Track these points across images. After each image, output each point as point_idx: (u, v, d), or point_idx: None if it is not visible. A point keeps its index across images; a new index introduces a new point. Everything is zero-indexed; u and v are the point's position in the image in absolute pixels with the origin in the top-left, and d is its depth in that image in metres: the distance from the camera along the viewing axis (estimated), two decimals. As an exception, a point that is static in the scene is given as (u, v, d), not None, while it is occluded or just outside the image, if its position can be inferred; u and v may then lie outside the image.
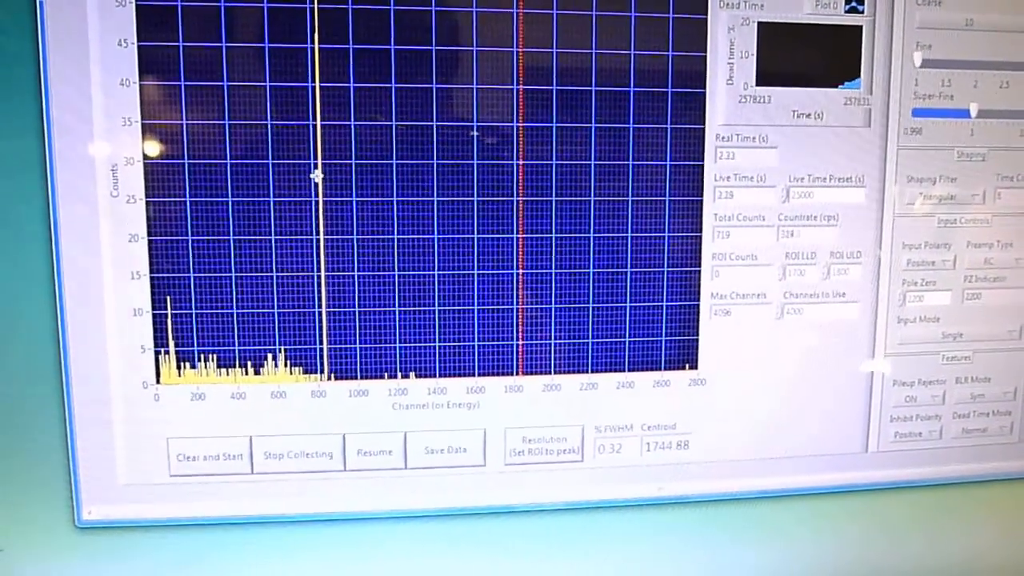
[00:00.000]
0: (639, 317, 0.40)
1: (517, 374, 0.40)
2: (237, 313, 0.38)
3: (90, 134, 0.36)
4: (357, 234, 0.38)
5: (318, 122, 0.37)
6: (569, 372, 0.40)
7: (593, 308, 0.40)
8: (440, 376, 0.40)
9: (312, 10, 0.36)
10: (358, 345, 0.39)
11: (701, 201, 0.40)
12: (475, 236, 0.39)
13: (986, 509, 0.45)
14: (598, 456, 0.41)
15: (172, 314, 0.38)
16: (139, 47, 0.36)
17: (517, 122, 0.38)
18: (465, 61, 0.37)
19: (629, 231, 0.40)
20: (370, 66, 0.37)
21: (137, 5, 0.35)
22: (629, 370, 0.41)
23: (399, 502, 0.41)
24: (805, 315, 0.41)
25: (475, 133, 0.38)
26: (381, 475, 0.40)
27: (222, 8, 0.36)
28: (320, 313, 0.39)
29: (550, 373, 0.40)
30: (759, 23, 0.39)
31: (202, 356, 0.38)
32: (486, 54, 0.37)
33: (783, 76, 0.39)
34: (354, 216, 0.38)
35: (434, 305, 0.39)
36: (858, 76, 0.40)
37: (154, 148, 0.37)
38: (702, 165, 0.40)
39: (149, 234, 0.37)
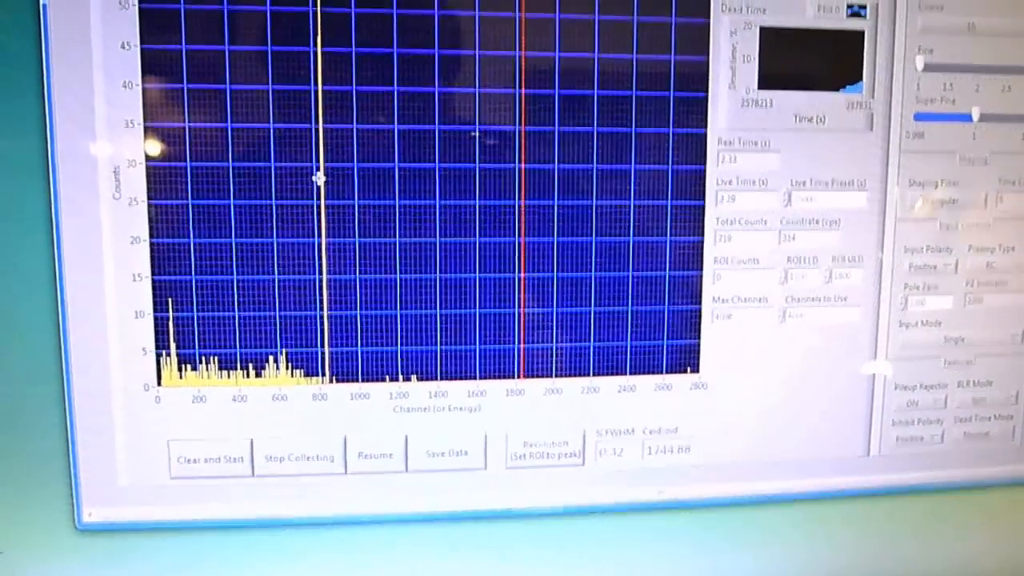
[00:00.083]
0: (641, 320, 0.40)
1: (518, 377, 0.40)
2: (239, 315, 0.38)
3: (92, 136, 0.36)
4: (359, 237, 0.38)
5: (320, 125, 0.37)
6: (570, 375, 0.40)
7: (594, 312, 0.40)
8: (441, 379, 0.40)
9: (315, 13, 0.36)
10: (359, 348, 0.39)
11: (703, 205, 0.40)
12: (476, 239, 0.39)
13: (989, 513, 0.45)
14: (599, 460, 0.41)
15: (174, 316, 0.38)
16: (142, 50, 0.36)
17: (519, 126, 0.38)
18: (467, 65, 0.38)
19: (631, 235, 0.40)
20: (372, 70, 0.37)
21: (140, 8, 0.35)
22: (630, 373, 0.41)
23: (400, 505, 0.41)
24: (807, 319, 0.41)
25: (477, 137, 0.38)
26: (382, 478, 0.40)
27: (225, 11, 0.36)
28: (322, 316, 0.39)
29: (551, 376, 0.40)
30: (761, 27, 0.39)
31: (203, 358, 0.38)
32: (488, 58, 0.38)
33: (785, 80, 0.39)
34: (356, 219, 0.38)
35: (435, 308, 0.39)
36: (860, 80, 0.40)
37: (156, 150, 0.37)
38: (704, 169, 0.40)
39: (151, 236, 0.37)
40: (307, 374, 0.39)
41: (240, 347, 0.38)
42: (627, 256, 0.40)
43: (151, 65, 0.36)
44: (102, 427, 0.38)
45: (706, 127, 0.39)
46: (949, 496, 0.44)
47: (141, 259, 0.37)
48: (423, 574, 0.41)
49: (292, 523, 0.40)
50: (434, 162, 0.38)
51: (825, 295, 0.41)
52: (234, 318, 0.38)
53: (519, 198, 0.39)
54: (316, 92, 0.37)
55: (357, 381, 0.39)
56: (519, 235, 0.39)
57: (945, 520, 0.45)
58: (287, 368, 0.39)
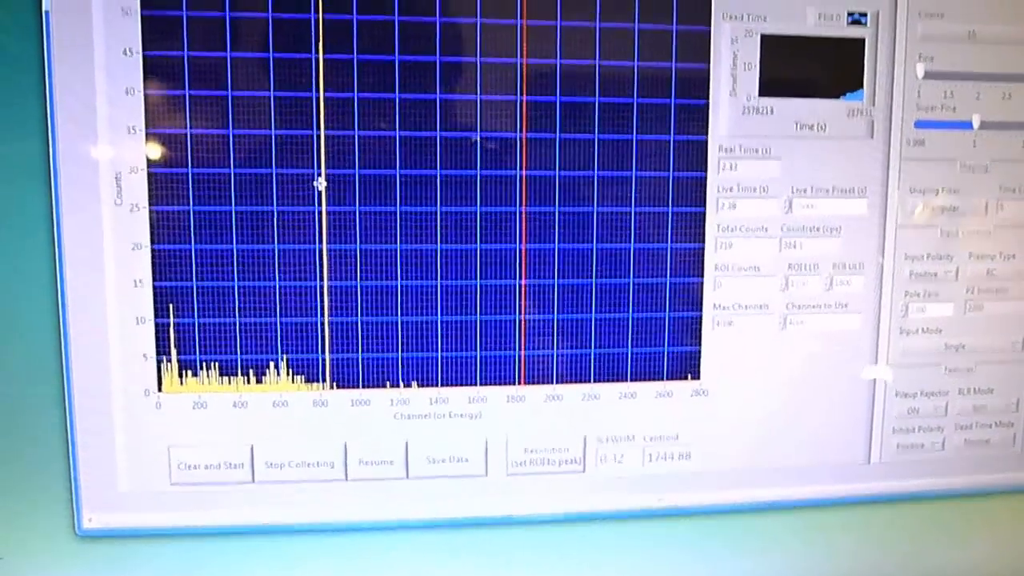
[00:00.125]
0: (641, 327, 0.40)
1: (519, 384, 0.40)
2: (239, 321, 0.38)
3: (94, 142, 0.36)
4: (360, 243, 0.38)
5: (322, 132, 0.37)
6: (571, 382, 0.40)
7: (595, 318, 0.40)
8: (442, 385, 0.40)
9: (316, 20, 0.36)
10: (360, 354, 0.39)
11: (704, 212, 0.40)
12: (478, 246, 0.39)
13: (990, 521, 0.45)
14: (600, 466, 0.41)
15: (175, 322, 0.38)
16: (144, 56, 0.36)
17: (521, 133, 0.38)
18: (469, 72, 0.38)
19: (632, 242, 0.40)
20: (374, 77, 0.37)
21: (142, 15, 0.35)
22: (631, 380, 0.41)
23: (401, 511, 0.40)
24: (807, 326, 0.41)
25: (478, 143, 0.38)
26: (383, 484, 0.40)
27: (227, 18, 0.36)
28: (322, 322, 0.39)
29: (552, 383, 0.40)
30: (762, 35, 0.39)
31: (204, 364, 0.38)
32: (490, 65, 0.38)
33: (786, 87, 0.39)
34: (357, 226, 0.38)
35: (436, 314, 0.39)
36: (861, 87, 0.40)
37: (158, 157, 0.37)
38: (705, 176, 0.40)
39: (152, 242, 0.37)
40: (308, 380, 0.39)
41: (241, 353, 0.38)
42: (628, 263, 0.40)
43: (153, 71, 0.36)
44: (102, 432, 0.38)
45: (707, 134, 0.39)
46: (950, 503, 0.44)
47: (142, 265, 0.37)
48: (423, 581, 0.41)
49: (292, 530, 0.40)
50: (435, 168, 0.38)
51: (826, 302, 0.41)
52: (235, 324, 0.38)
53: (520, 205, 0.39)
54: (318, 99, 0.37)
55: (358, 387, 0.39)
56: (520, 241, 0.39)
57: (946, 527, 0.45)
58: (288, 374, 0.39)
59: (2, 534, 0.39)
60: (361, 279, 0.38)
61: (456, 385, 0.40)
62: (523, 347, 0.40)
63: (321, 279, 0.38)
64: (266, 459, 0.39)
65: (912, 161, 0.41)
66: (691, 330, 0.41)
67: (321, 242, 0.38)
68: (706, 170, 0.40)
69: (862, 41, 0.40)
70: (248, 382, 0.39)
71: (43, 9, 0.35)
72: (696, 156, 0.39)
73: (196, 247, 0.37)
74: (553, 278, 0.39)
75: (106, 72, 0.36)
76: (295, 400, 0.39)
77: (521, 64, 0.38)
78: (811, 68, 0.40)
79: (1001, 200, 0.42)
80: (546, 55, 0.38)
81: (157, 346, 0.38)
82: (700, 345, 0.41)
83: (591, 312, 0.40)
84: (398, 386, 0.39)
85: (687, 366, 0.41)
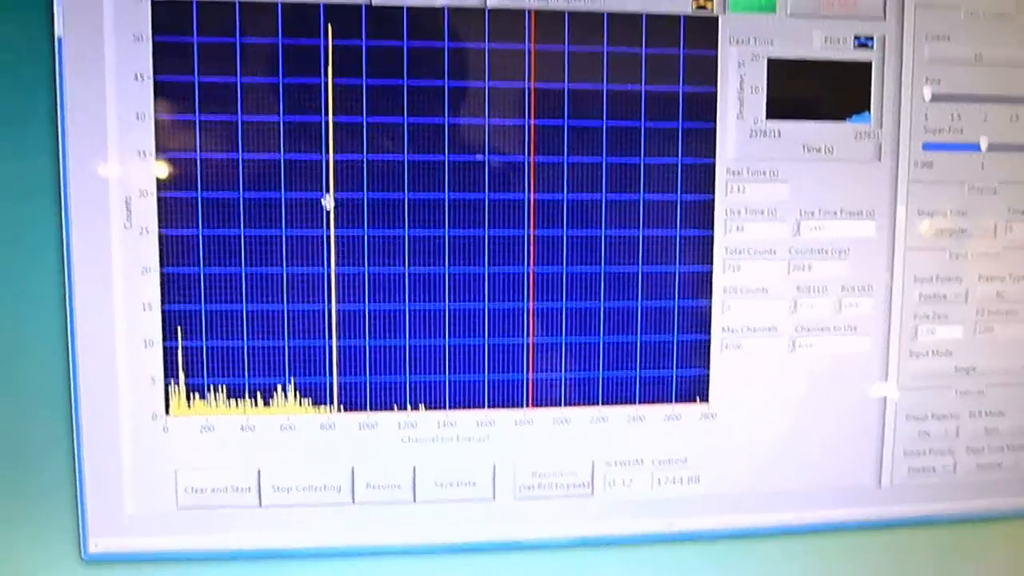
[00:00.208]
0: (650, 350, 0.40)
1: (527, 407, 0.40)
2: (247, 345, 0.38)
3: (105, 166, 0.36)
4: (368, 266, 0.38)
5: (331, 156, 0.37)
6: (579, 405, 0.40)
7: (603, 341, 0.40)
8: (450, 409, 0.40)
9: (326, 46, 0.37)
10: (368, 377, 0.39)
11: (712, 235, 0.40)
12: (486, 269, 0.39)
13: (1002, 545, 0.45)
14: (608, 490, 0.41)
15: (183, 345, 0.38)
16: (155, 81, 0.36)
17: (529, 156, 0.38)
18: (477, 96, 0.38)
19: (640, 265, 0.40)
20: (383, 101, 0.37)
21: (154, 40, 0.36)
22: (639, 403, 0.40)
23: (408, 535, 0.40)
24: (816, 348, 0.41)
25: (487, 167, 0.38)
26: (390, 508, 0.40)
27: (237, 44, 0.36)
28: (330, 345, 0.38)
29: (560, 406, 0.40)
30: (769, 59, 0.39)
31: (212, 387, 0.38)
32: (498, 89, 0.38)
33: (793, 110, 0.39)
34: (365, 249, 0.38)
35: (444, 338, 0.39)
36: (868, 110, 0.40)
37: (168, 180, 0.37)
38: (713, 198, 0.40)
39: (161, 266, 0.37)
40: (315, 403, 0.39)
41: (248, 376, 0.38)
42: (636, 286, 0.40)
43: (164, 96, 0.36)
44: (110, 455, 0.38)
45: (715, 157, 0.39)
46: (964, 527, 0.44)
47: (151, 288, 0.37)
48: (430, 606, 0.41)
49: (299, 554, 0.40)
50: (444, 192, 0.38)
51: (835, 324, 0.41)
52: (243, 347, 0.38)
53: (528, 228, 0.39)
54: (327, 123, 0.37)
55: (365, 410, 0.39)
56: (528, 264, 0.39)
57: (960, 551, 0.44)
58: (295, 397, 0.39)
59: (8, 559, 0.39)
60: (369, 302, 0.38)
61: (464, 408, 0.40)
62: (531, 370, 0.40)
63: (329, 302, 0.38)
64: (273, 483, 0.39)
65: (920, 183, 0.41)
66: (699, 353, 0.40)
67: (329, 265, 0.38)
68: (714, 193, 0.40)
69: (869, 64, 0.40)
70: (256, 405, 0.38)
71: (56, 35, 0.35)
72: (704, 179, 0.39)
73: (205, 270, 0.37)
74: (561, 301, 0.39)
75: (117, 97, 0.36)
76: (302, 423, 0.39)
77: (529, 89, 0.38)
78: (818, 91, 0.40)
79: (1010, 222, 0.42)
80: (554, 79, 0.38)
81: (165, 369, 0.38)
82: (709, 368, 0.41)
83: (599, 335, 0.40)
84: (405, 409, 0.39)
85: (696, 389, 0.41)
